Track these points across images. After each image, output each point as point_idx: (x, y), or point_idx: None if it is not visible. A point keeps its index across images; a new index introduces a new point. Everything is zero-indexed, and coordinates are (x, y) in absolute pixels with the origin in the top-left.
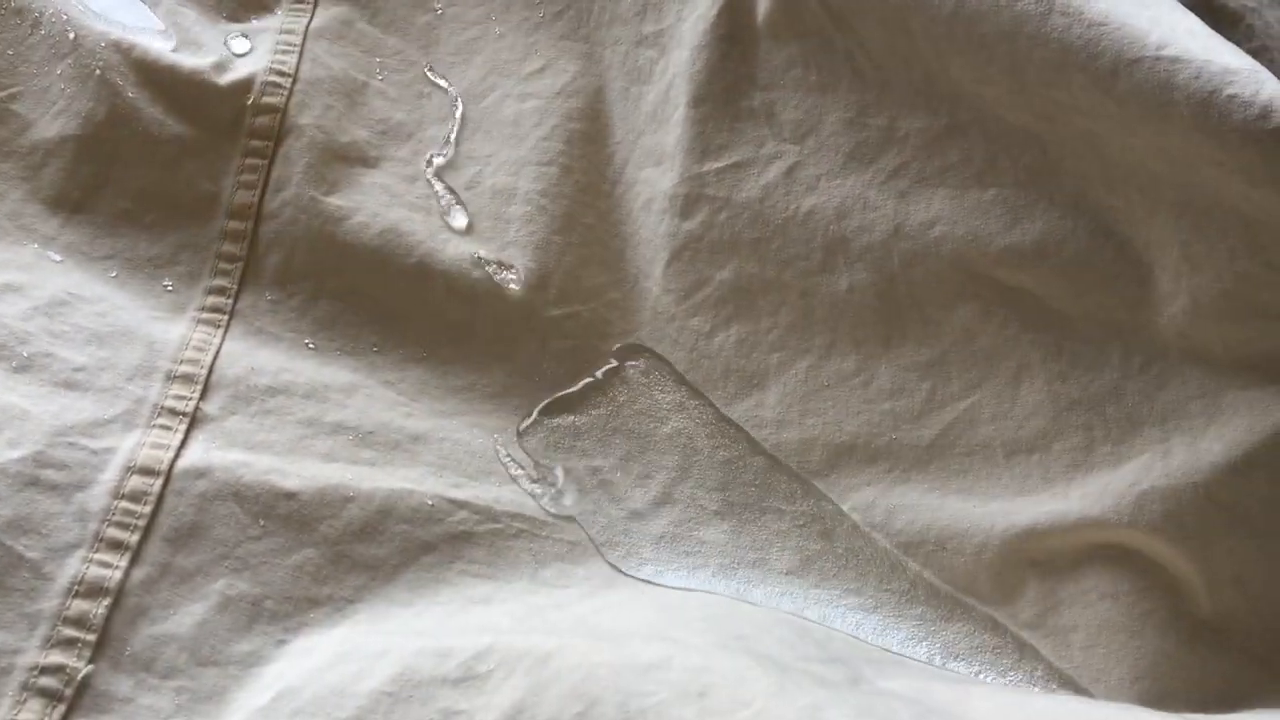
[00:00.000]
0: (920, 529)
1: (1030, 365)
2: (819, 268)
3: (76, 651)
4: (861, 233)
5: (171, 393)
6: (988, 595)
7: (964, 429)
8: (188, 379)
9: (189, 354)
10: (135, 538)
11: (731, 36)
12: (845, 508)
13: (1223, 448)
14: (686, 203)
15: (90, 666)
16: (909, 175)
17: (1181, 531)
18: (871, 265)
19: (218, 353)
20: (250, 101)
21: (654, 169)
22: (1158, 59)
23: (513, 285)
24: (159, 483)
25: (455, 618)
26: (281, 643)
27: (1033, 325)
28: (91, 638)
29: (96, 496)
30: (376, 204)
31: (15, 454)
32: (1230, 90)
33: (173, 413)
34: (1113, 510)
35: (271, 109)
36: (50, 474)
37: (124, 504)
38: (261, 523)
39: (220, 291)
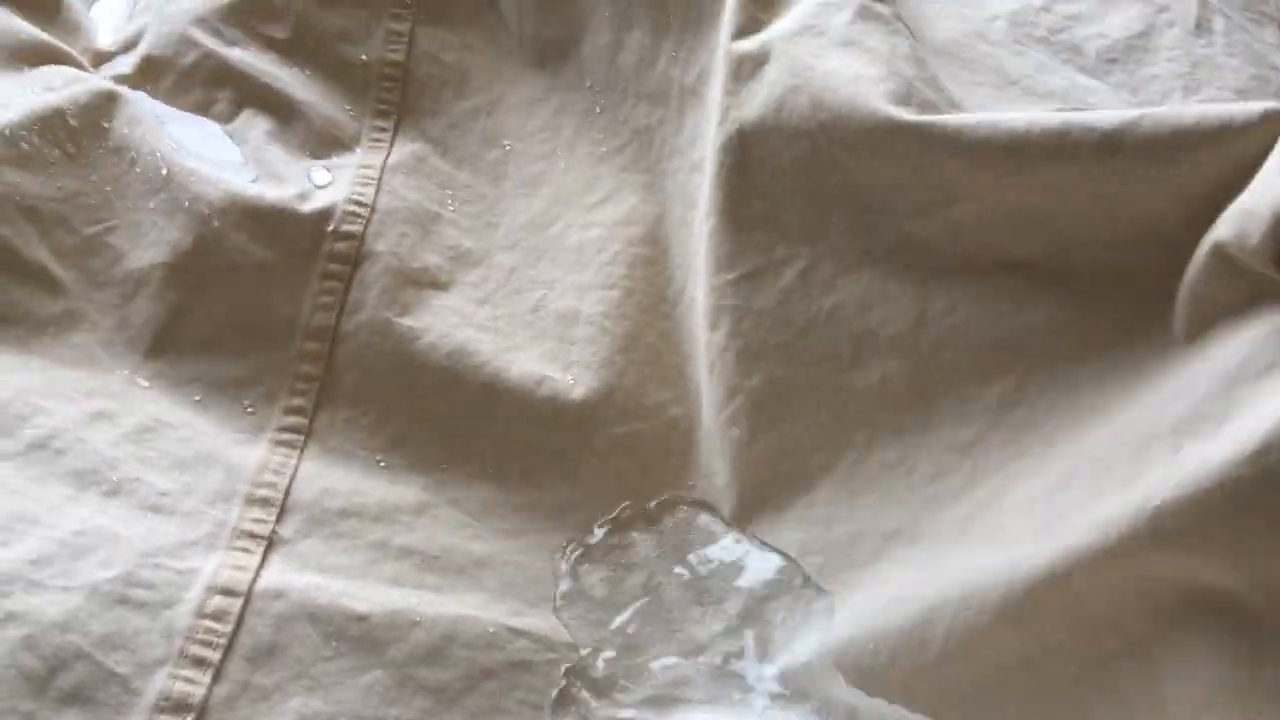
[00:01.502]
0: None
1: (1064, 425)
2: (849, 363)
3: None
4: (886, 323)
5: (250, 516)
6: None
7: (1002, 497)
8: (265, 502)
9: (267, 477)
10: (217, 655)
11: (735, 148)
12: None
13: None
14: (712, 315)
15: None
16: (925, 266)
17: (1208, 542)
18: (901, 354)
19: (294, 475)
20: (330, 229)
21: (697, 287)
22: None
23: (576, 403)
24: (239, 603)
25: None
26: None
27: (1065, 387)
28: None
29: (182, 615)
30: (446, 325)
31: (108, 574)
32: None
33: (251, 535)
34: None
35: (350, 236)
36: (139, 593)
37: (207, 622)
38: (334, 644)
39: (298, 411)
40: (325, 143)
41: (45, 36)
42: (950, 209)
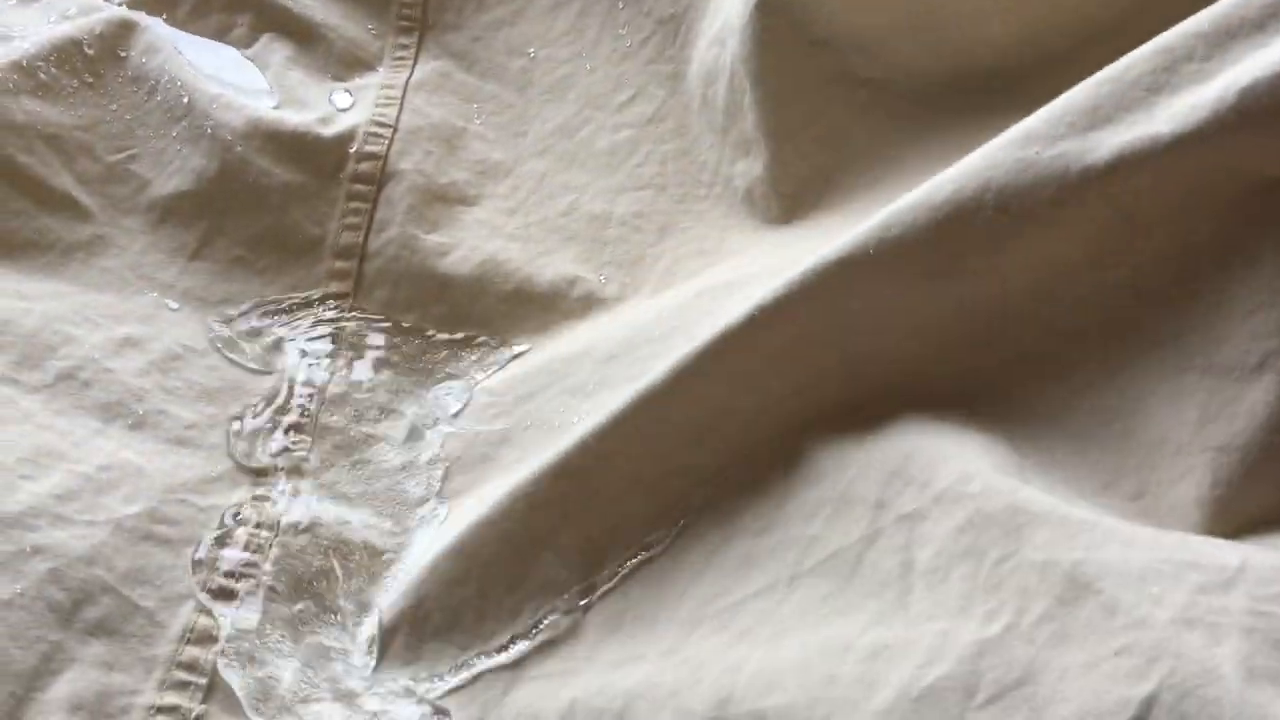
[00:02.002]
0: None
1: None
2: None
3: (189, 693)
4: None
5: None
6: None
7: None
8: (295, 428)
9: (296, 402)
10: (248, 585)
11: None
12: None
13: None
14: (796, 183)
15: (203, 707)
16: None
17: None
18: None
19: (321, 403)
20: (354, 150)
21: (745, 160)
22: None
23: (610, 301)
24: (270, 535)
25: None
26: None
27: None
28: (203, 681)
29: (206, 550)
30: (475, 238)
31: (132, 509)
32: None
33: (276, 469)
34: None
35: (373, 156)
36: (163, 529)
37: (233, 553)
38: (355, 578)
39: (328, 337)
40: (347, 64)
41: None
42: None
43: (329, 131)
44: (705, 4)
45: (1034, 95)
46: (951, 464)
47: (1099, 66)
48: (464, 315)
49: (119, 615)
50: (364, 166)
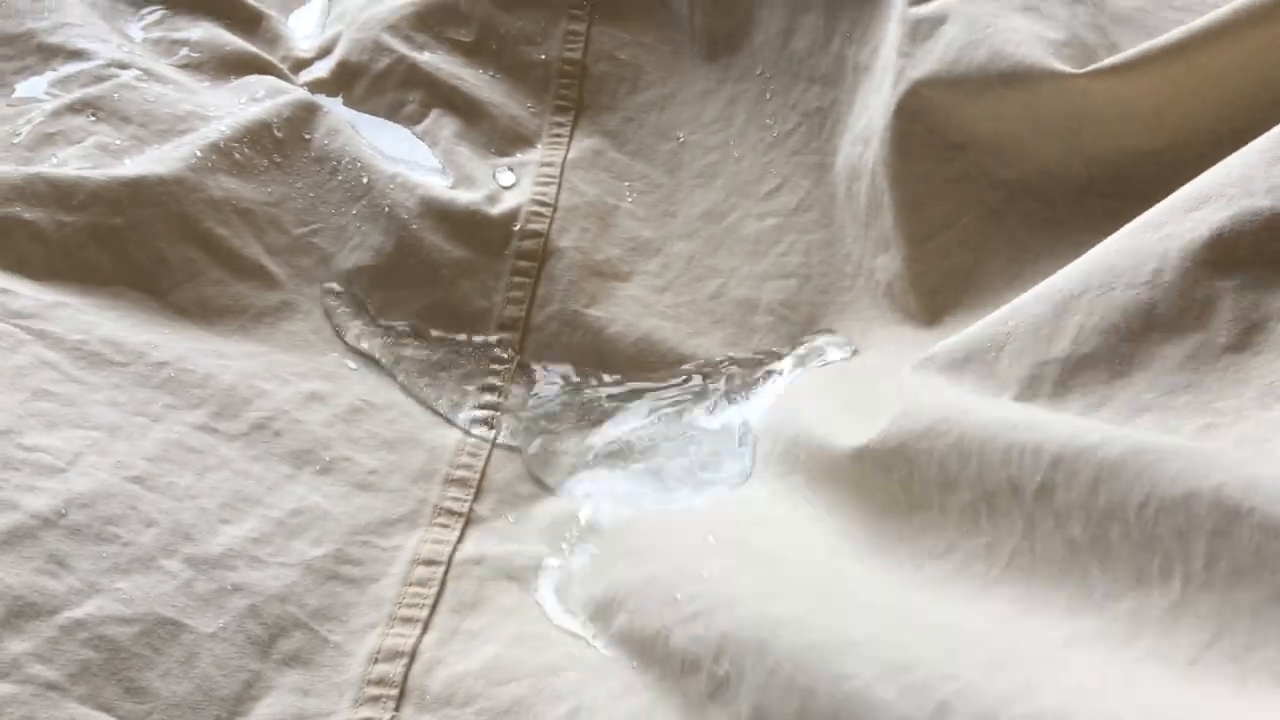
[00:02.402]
0: None
1: None
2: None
3: (382, 704)
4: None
5: (449, 494)
6: None
7: None
8: (463, 483)
9: (464, 459)
10: (425, 612)
11: (911, 107)
12: None
13: None
14: (934, 280)
15: (395, 713)
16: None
17: None
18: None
19: (488, 457)
20: (517, 228)
21: (884, 255)
22: None
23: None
24: (441, 570)
25: None
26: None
27: None
28: (394, 692)
29: (388, 586)
30: (631, 314)
31: (319, 551)
32: None
33: (450, 512)
34: None
35: (536, 234)
36: (348, 569)
37: (412, 589)
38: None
39: (492, 390)
40: (509, 139)
41: (250, 47)
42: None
43: (495, 210)
44: (852, 100)
45: (1164, 197)
46: (1058, 424)
47: None
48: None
49: (311, 648)
50: (527, 244)
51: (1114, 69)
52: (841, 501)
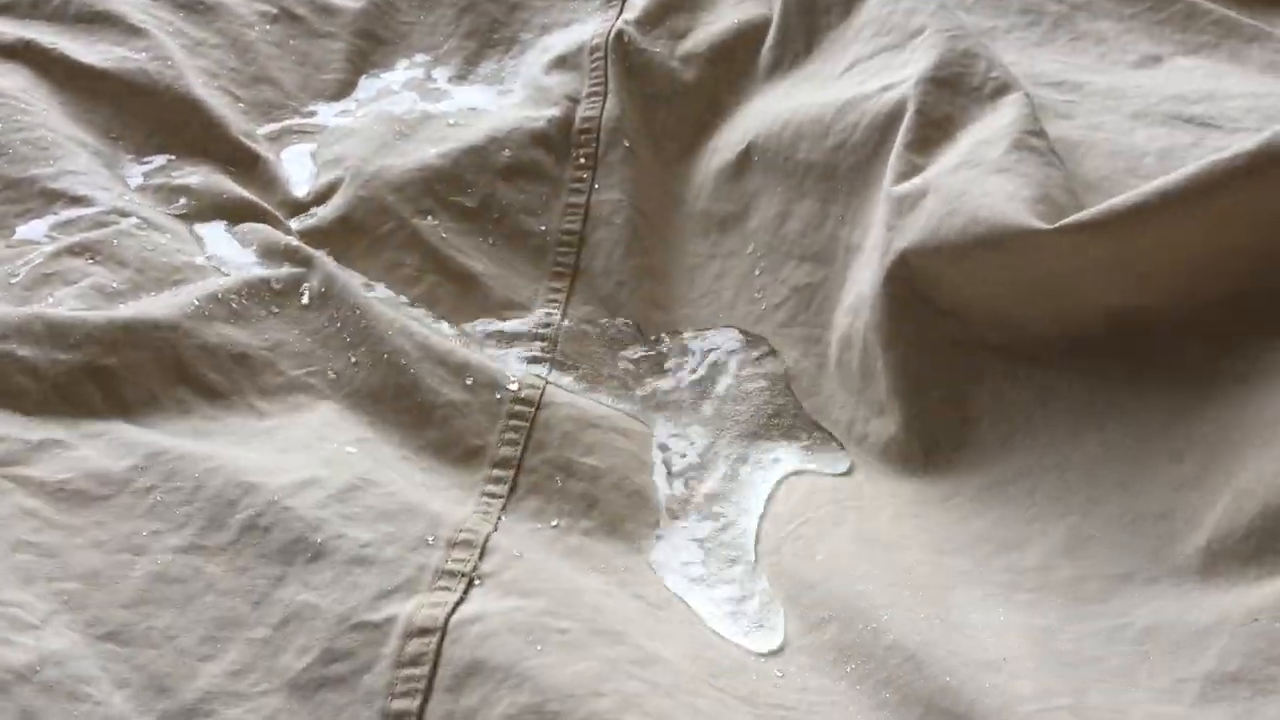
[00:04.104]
0: None
1: None
2: (1070, 444)
3: None
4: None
5: (453, 556)
6: None
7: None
8: (467, 544)
9: (469, 525)
10: (417, 703)
11: (899, 275)
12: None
13: None
14: (926, 443)
15: None
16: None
17: None
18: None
19: (496, 526)
20: (515, 384)
21: (879, 419)
22: None
23: None
24: (435, 639)
25: None
26: None
27: None
28: None
29: (379, 674)
30: (628, 467)
31: (305, 661)
32: None
33: (453, 574)
34: None
35: (534, 385)
36: (337, 668)
37: (405, 671)
38: (538, 647)
39: (485, 517)
40: (502, 305)
41: (247, 194)
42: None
43: (492, 364)
44: (842, 278)
45: (1145, 355)
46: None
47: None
48: (612, 531)
49: None
50: (525, 393)
51: (1082, 225)
52: None
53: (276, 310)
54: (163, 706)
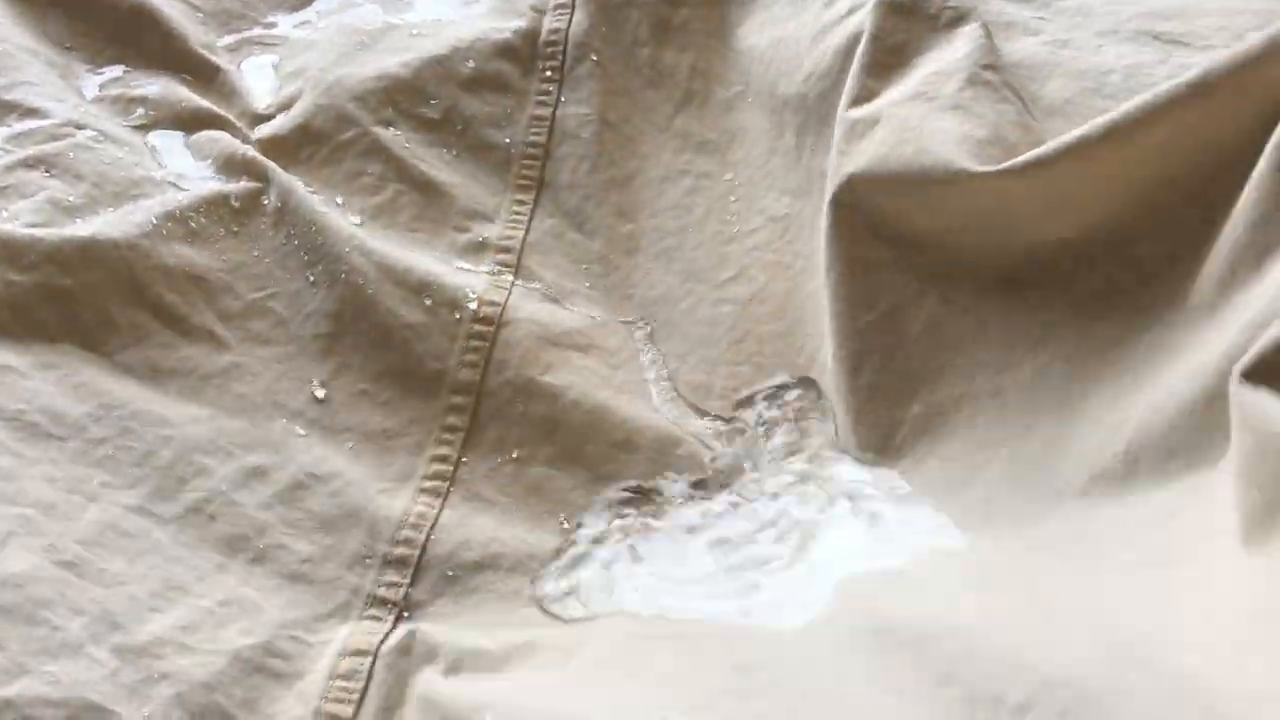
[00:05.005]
0: None
1: None
2: (998, 368)
3: None
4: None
5: (385, 580)
6: None
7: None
8: (401, 563)
9: (406, 533)
10: (351, 710)
11: (845, 200)
12: None
13: None
14: (854, 360)
15: None
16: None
17: None
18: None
19: (434, 524)
20: (474, 298)
21: (825, 346)
22: None
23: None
24: (369, 661)
25: None
26: None
27: None
28: None
29: (313, 683)
30: (587, 384)
31: (248, 641)
32: None
33: (384, 602)
34: None
35: (493, 303)
36: (275, 663)
37: (339, 683)
38: (462, 674)
39: (443, 460)
40: (467, 216)
41: (205, 103)
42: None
43: (453, 280)
44: (816, 205)
45: (1083, 286)
46: (1062, 651)
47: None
48: (573, 457)
49: None
50: (485, 310)
51: (1025, 167)
52: None
53: (236, 229)
54: (116, 640)
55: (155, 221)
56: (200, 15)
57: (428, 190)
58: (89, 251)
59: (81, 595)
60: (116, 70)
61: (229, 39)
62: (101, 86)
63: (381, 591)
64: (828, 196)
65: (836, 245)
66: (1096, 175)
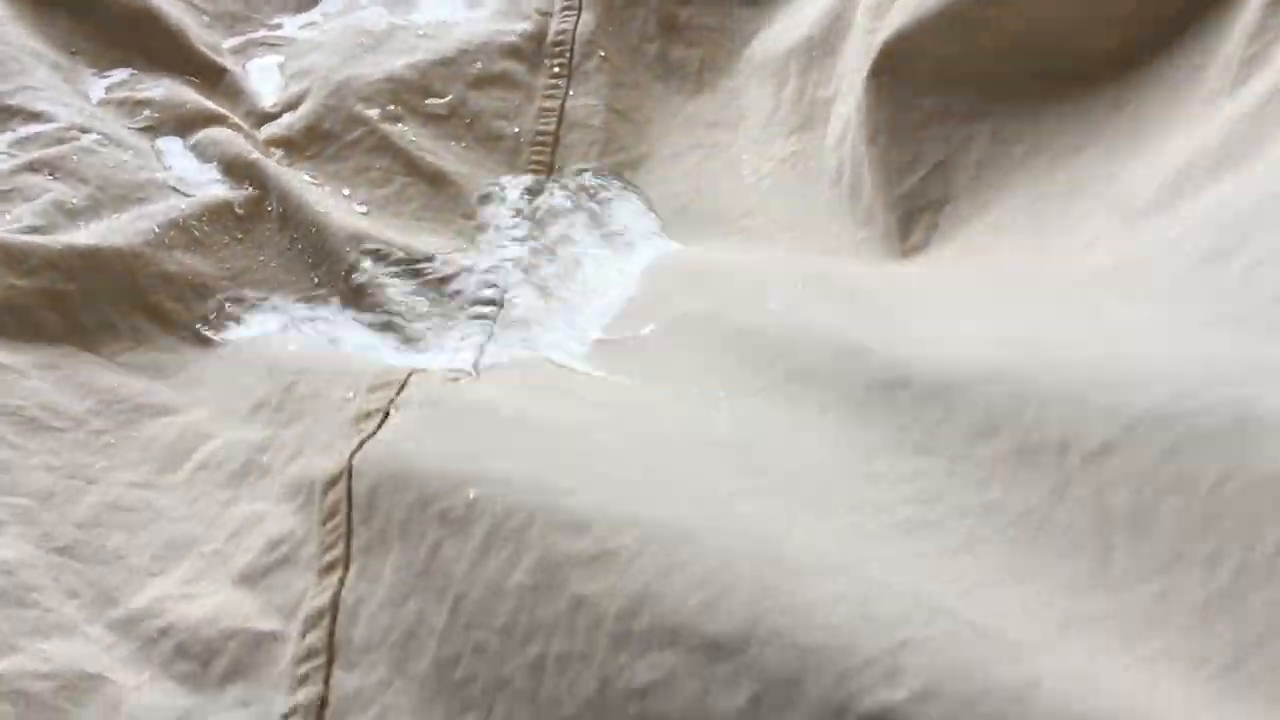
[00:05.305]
0: None
1: None
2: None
3: (311, 683)
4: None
5: (371, 399)
6: None
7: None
8: (387, 384)
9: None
10: (341, 549)
11: (886, 64)
12: None
13: None
14: (903, 224)
15: (326, 683)
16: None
17: None
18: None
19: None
20: (474, 280)
21: (866, 228)
22: None
23: None
24: (344, 483)
25: None
26: None
27: None
28: (322, 661)
29: (311, 540)
30: None
31: (251, 555)
32: None
33: (367, 415)
34: None
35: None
36: (283, 549)
37: (329, 525)
38: (426, 442)
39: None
40: (477, 201)
41: (210, 104)
42: None
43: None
44: (824, 130)
45: (1131, 86)
46: (1157, 386)
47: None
48: None
49: (246, 651)
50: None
51: None
52: (808, 419)
53: (240, 236)
54: (113, 615)
55: (158, 230)
56: (206, 18)
57: (435, 180)
58: (91, 258)
59: (77, 578)
60: (123, 73)
61: (234, 41)
62: (108, 89)
63: (367, 406)
64: (863, 76)
65: (878, 115)
66: None
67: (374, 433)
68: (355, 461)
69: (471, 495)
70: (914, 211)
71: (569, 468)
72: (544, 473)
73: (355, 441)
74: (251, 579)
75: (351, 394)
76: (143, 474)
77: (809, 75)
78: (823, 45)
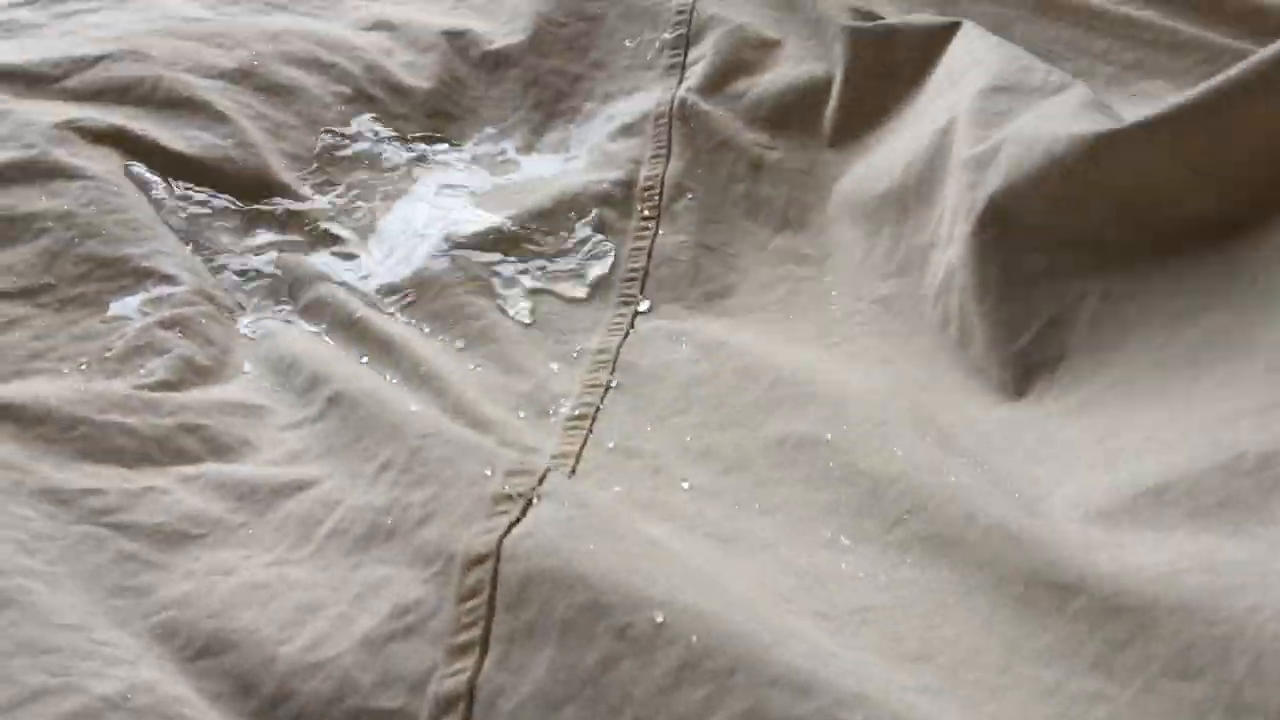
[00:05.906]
0: None
1: None
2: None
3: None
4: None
5: (510, 483)
6: None
7: None
8: (527, 472)
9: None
10: (479, 632)
11: (991, 218)
12: None
13: None
14: (1019, 381)
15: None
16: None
17: None
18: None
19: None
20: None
21: (977, 378)
22: None
23: None
24: (491, 564)
25: None
26: None
27: None
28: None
29: (444, 618)
30: None
31: (377, 620)
32: None
33: (510, 498)
34: None
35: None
36: (408, 619)
37: (467, 605)
38: (590, 546)
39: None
40: (566, 332)
41: (319, 267)
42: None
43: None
44: (922, 276)
45: (1230, 250)
46: None
47: None
48: None
49: None
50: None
51: (1154, 122)
52: (949, 592)
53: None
54: (250, 706)
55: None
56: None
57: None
58: (222, 404)
59: (213, 680)
60: (266, 235)
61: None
62: (255, 251)
63: (508, 489)
64: (968, 231)
65: (987, 271)
66: (1230, 130)
67: (519, 518)
68: (505, 544)
69: (660, 619)
70: (1030, 368)
71: (760, 619)
72: (732, 616)
73: (503, 523)
74: (374, 645)
75: (489, 471)
76: (279, 553)
77: (905, 223)
78: (916, 194)
